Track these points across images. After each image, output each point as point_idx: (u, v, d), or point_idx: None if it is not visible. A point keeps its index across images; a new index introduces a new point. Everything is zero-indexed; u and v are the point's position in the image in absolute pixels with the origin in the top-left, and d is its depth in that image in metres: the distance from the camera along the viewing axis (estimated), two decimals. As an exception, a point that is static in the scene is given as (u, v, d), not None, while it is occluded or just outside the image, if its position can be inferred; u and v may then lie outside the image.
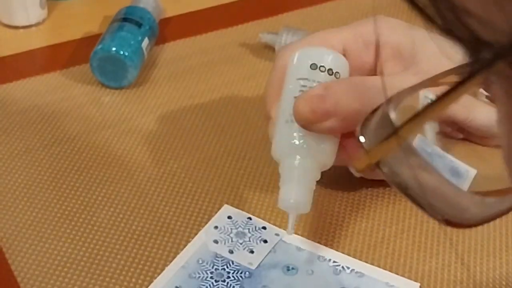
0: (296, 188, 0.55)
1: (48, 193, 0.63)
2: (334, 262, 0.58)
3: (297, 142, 0.56)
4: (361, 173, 0.59)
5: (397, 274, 0.57)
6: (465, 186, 0.52)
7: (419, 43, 0.60)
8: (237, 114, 0.72)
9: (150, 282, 0.56)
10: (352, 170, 0.57)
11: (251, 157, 0.67)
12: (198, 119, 0.71)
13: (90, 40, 0.78)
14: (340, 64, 0.59)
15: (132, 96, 0.74)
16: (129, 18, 0.77)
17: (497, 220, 0.62)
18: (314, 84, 0.57)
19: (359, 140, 0.35)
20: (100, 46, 0.73)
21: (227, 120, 0.71)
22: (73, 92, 0.74)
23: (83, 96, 0.73)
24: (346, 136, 0.58)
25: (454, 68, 0.33)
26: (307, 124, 0.56)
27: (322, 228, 0.61)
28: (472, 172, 0.56)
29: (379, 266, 0.58)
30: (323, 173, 0.59)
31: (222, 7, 0.87)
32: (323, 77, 0.58)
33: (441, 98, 0.28)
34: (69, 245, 0.58)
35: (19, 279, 0.56)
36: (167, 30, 0.83)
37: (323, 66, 0.58)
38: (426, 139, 0.54)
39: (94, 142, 0.68)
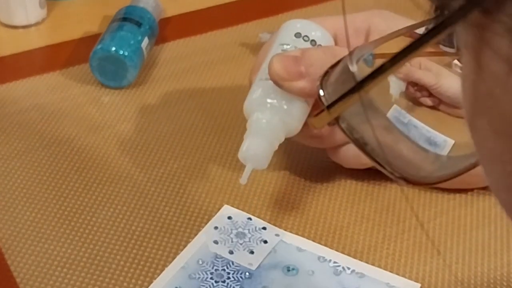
0: (258, 142, 0.56)
1: (47, 193, 0.62)
2: (334, 262, 0.58)
3: (268, 100, 0.58)
4: (319, 130, 0.59)
5: (398, 274, 0.57)
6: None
7: None
8: (237, 114, 0.72)
9: (150, 282, 0.56)
10: (311, 127, 0.58)
11: (251, 157, 0.67)
12: (198, 119, 0.71)
13: (90, 40, 0.78)
14: (324, 39, 0.61)
15: (132, 96, 0.74)
16: (129, 17, 0.76)
17: (499, 221, 0.62)
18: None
19: (318, 94, 0.35)
20: (99, 46, 0.73)
21: (227, 120, 0.71)
22: (73, 92, 0.74)
23: (82, 96, 0.73)
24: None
25: (418, 23, 0.33)
26: (279, 80, 0.57)
27: (323, 228, 0.60)
28: (449, 141, 0.56)
29: (379, 267, 0.58)
30: (326, 173, 0.58)
31: (222, 7, 0.87)
32: (305, 45, 0.59)
33: (403, 51, 0.28)
34: (68, 246, 0.58)
35: (18, 280, 0.56)
36: (167, 30, 0.82)
37: (306, 36, 0.60)
38: (402, 110, 0.54)
39: (94, 142, 0.68)
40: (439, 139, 0.57)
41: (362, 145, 0.35)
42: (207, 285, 0.55)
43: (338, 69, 0.36)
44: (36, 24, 0.83)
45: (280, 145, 0.68)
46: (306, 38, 0.60)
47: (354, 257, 0.58)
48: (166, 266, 0.57)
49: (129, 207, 0.62)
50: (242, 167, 0.65)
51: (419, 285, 0.57)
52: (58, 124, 0.70)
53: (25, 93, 0.73)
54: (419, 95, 0.65)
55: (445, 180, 0.37)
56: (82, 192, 0.63)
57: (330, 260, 0.58)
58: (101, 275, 0.56)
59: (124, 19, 0.76)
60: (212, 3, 0.88)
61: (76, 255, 0.58)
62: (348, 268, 0.57)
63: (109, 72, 0.74)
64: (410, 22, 0.63)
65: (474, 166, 0.36)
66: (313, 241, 0.59)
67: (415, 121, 0.58)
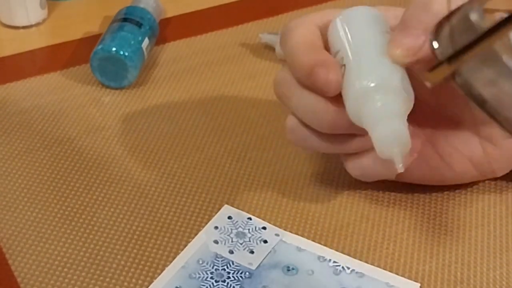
0: (394, 121, 0.51)
1: (48, 193, 0.63)
2: (334, 262, 0.58)
3: (383, 75, 0.52)
4: (435, 84, 0.55)
5: (398, 274, 0.57)
6: None
7: None
8: (237, 114, 0.72)
9: (150, 282, 0.56)
10: (426, 83, 0.53)
11: (251, 157, 0.67)
12: (198, 119, 0.71)
13: (90, 40, 0.78)
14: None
15: (132, 96, 0.74)
16: (129, 18, 0.77)
17: (498, 220, 0.62)
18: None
19: (432, 46, 0.33)
20: (100, 46, 0.73)
21: (227, 120, 0.71)
22: (73, 92, 0.74)
23: (83, 96, 0.73)
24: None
25: None
26: (413, 54, 0.50)
27: (322, 228, 0.61)
28: None
29: (379, 267, 0.58)
30: (325, 173, 0.58)
31: (222, 7, 0.88)
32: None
33: None
34: (69, 245, 0.58)
35: (19, 280, 0.56)
36: (167, 30, 0.83)
37: (387, 32, 0.55)
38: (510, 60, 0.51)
39: (95, 142, 0.68)
40: None
41: (480, 102, 0.32)
42: (207, 285, 0.55)
43: (454, 20, 0.32)
44: (37, 24, 0.83)
45: (280, 145, 0.68)
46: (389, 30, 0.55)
47: (354, 257, 0.58)
48: (166, 265, 0.57)
49: (130, 207, 0.62)
50: (243, 167, 0.66)
51: (419, 284, 0.57)
52: (59, 125, 0.70)
53: (25, 94, 0.73)
54: None
55: None
56: (83, 192, 0.63)
57: (330, 260, 0.58)
58: (101, 274, 0.56)
59: (125, 19, 0.77)
60: (212, 3, 0.88)
61: (76, 255, 0.58)
62: (348, 268, 0.57)
63: (110, 72, 0.74)
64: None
65: None
66: (313, 241, 0.59)
67: None
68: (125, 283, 0.56)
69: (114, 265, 0.57)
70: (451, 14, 0.33)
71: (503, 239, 0.60)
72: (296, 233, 0.60)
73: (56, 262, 0.57)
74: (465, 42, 0.30)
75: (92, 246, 0.59)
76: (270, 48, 0.80)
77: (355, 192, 0.64)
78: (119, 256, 0.58)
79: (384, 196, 0.64)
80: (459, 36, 0.32)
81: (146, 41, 0.76)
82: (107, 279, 0.56)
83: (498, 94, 0.33)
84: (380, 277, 0.57)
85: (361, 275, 0.57)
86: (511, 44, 0.48)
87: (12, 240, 0.59)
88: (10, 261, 0.57)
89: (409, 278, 0.57)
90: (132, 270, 0.57)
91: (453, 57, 0.31)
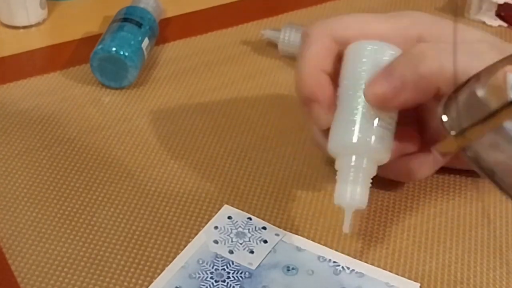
0: (361, 190, 0.56)
1: (48, 193, 0.63)
2: (334, 262, 0.58)
3: (354, 140, 0.55)
4: (445, 156, 0.54)
5: (397, 274, 0.57)
6: None
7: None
8: (237, 114, 0.72)
9: (150, 282, 0.56)
10: (436, 153, 0.53)
11: (251, 157, 0.67)
12: (198, 119, 0.71)
13: (90, 40, 0.78)
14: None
15: (132, 96, 0.74)
16: (129, 18, 0.77)
17: (498, 221, 0.62)
18: None
19: (441, 119, 0.33)
20: (100, 46, 0.73)
21: (227, 120, 0.71)
22: (73, 92, 0.74)
23: (83, 96, 0.73)
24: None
25: None
26: (382, 102, 0.54)
27: (322, 228, 0.61)
28: None
29: (379, 266, 0.58)
30: (326, 173, 0.58)
31: (222, 7, 0.88)
32: None
33: None
34: (69, 245, 0.58)
35: (19, 280, 0.56)
36: (167, 30, 0.83)
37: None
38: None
39: (94, 142, 0.68)
40: None
41: (490, 175, 0.33)
42: (207, 285, 0.55)
43: (462, 94, 0.34)
44: (37, 24, 0.83)
45: (280, 145, 0.68)
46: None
47: (354, 256, 0.58)
48: (166, 265, 0.57)
49: (130, 207, 0.62)
50: (243, 167, 0.66)
51: (419, 284, 0.57)
52: (59, 125, 0.70)
53: (25, 94, 0.73)
54: None
55: None
56: (83, 192, 0.63)
57: (329, 260, 0.58)
58: (101, 274, 0.56)
59: (125, 19, 0.77)
60: (212, 3, 0.88)
61: (76, 255, 0.58)
62: (348, 268, 0.57)
63: (110, 72, 0.74)
64: (448, 23, 0.59)
65: None
66: (313, 241, 0.59)
67: None
68: (125, 283, 0.56)
69: (114, 265, 0.57)
70: (459, 88, 0.34)
71: (502, 239, 0.60)
72: (296, 233, 0.60)
73: (56, 262, 0.57)
74: (473, 119, 0.31)
75: (92, 246, 0.59)
76: (272, 45, 0.79)
77: (355, 192, 0.64)
78: (119, 256, 0.58)
79: (384, 196, 0.64)
80: (467, 111, 0.32)
81: (146, 41, 0.76)
82: (107, 279, 0.56)
83: (507, 166, 0.34)
84: (380, 277, 0.57)
85: (361, 275, 0.57)
86: None
87: (12, 240, 0.59)
88: (10, 261, 0.57)
89: (409, 278, 0.57)
90: (132, 270, 0.57)
91: (461, 134, 0.32)
